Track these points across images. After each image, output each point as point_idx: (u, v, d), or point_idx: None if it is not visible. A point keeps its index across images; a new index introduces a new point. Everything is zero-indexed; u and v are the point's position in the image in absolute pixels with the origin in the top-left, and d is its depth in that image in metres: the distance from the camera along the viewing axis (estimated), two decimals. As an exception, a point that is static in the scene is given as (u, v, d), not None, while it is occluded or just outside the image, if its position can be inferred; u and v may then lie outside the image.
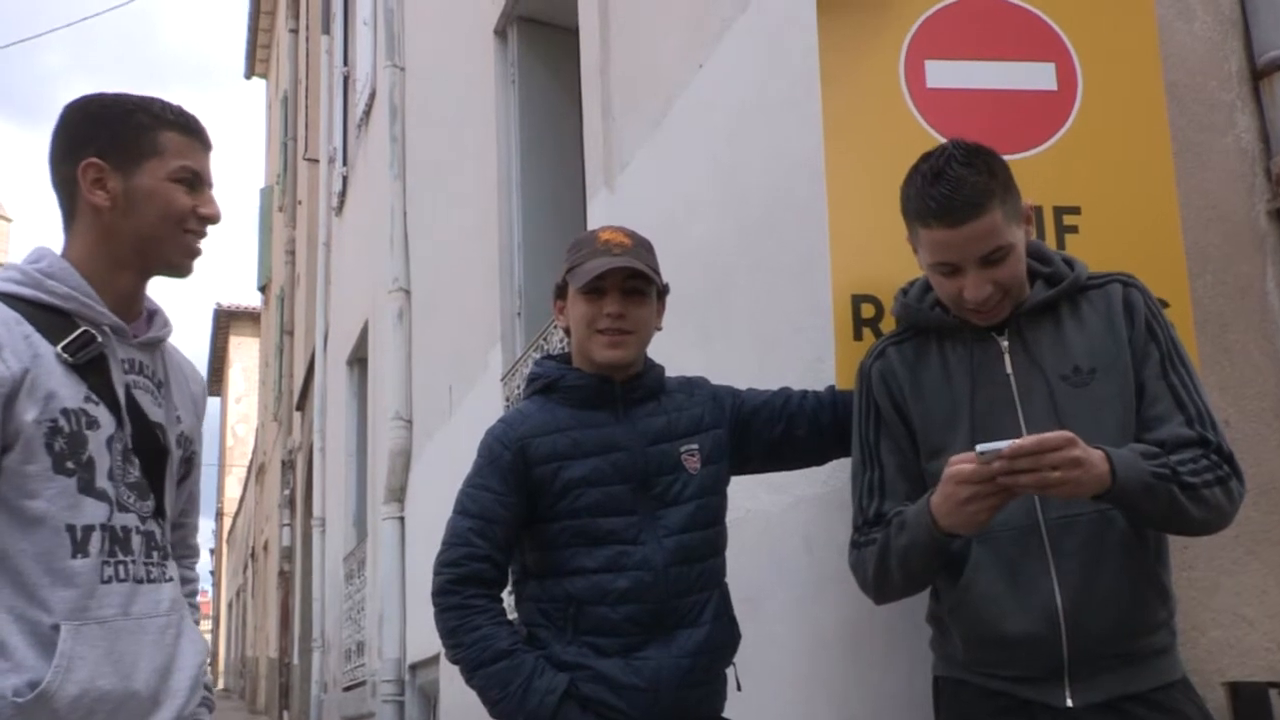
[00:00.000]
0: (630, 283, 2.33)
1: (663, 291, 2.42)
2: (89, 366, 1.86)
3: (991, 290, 1.99)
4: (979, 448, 1.79)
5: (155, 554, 1.94)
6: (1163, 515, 1.89)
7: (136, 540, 1.90)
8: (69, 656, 1.78)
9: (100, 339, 1.89)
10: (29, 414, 1.78)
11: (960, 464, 1.84)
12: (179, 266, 2.00)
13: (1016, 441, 1.77)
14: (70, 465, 1.81)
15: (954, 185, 1.94)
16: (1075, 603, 1.92)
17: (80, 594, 1.81)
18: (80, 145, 1.91)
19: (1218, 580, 2.35)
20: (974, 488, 1.82)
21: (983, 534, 1.95)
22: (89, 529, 1.83)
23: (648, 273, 2.33)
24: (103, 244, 1.93)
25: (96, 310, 1.89)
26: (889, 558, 2.01)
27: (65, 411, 1.82)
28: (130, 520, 1.90)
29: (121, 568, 1.87)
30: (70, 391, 1.83)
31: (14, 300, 1.85)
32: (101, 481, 1.85)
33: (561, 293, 2.41)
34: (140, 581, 1.90)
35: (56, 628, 1.78)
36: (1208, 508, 1.90)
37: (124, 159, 1.91)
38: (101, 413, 1.86)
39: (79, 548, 1.82)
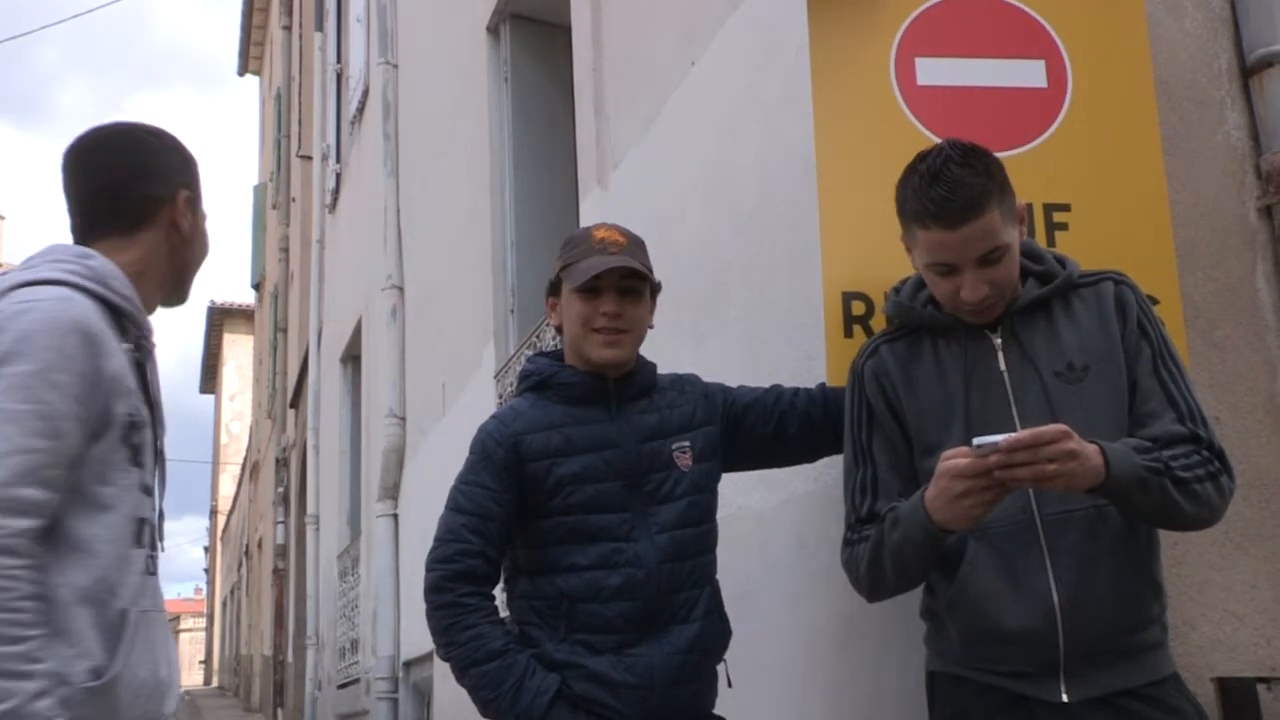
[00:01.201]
0: (626, 282, 2.33)
1: (655, 289, 2.42)
2: (138, 368, 1.95)
3: (989, 290, 2.00)
4: (975, 441, 1.80)
5: (157, 551, 2.01)
6: (1155, 509, 1.90)
7: (153, 536, 2.00)
8: (130, 643, 1.84)
9: (147, 342, 1.99)
10: (120, 406, 1.86)
11: (955, 458, 1.84)
12: (187, 298, 2.18)
13: (1012, 435, 1.78)
14: (139, 460, 1.91)
15: (952, 186, 1.94)
16: (1072, 598, 1.93)
17: (138, 583, 1.89)
18: (174, 172, 2.08)
19: (1208, 576, 2.36)
20: (969, 482, 1.82)
21: (978, 530, 1.96)
22: (143, 522, 1.92)
23: (644, 272, 2.33)
24: (161, 264, 2.06)
25: (143, 315, 1.99)
26: (882, 554, 2.02)
27: (136, 408, 1.91)
28: (154, 517, 1.99)
29: (151, 561, 1.96)
30: (136, 389, 1.92)
31: (85, 293, 1.89)
32: (148, 478, 1.95)
33: (555, 290, 2.41)
34: (154, 575, 1.98)
35: (123, 613, 1.84)
36: (1199, 502, 1.91)
37: (197, 197, 2.11)
38: (146, 413, 1.95)
39: (137, 539, 1.90)
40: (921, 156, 2.03)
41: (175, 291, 2.12)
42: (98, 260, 1.95)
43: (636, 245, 2.38)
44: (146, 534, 1.93)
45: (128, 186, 2.03)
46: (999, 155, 2.08)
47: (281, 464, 15.63)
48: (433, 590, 2.27)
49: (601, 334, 2.32)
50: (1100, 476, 1.83)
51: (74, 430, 1.79)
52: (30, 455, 1.73)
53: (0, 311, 1.81)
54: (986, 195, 1.95)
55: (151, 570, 1.94)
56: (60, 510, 1.79)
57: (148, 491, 1.94)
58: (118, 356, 1.86)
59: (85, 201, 2.03)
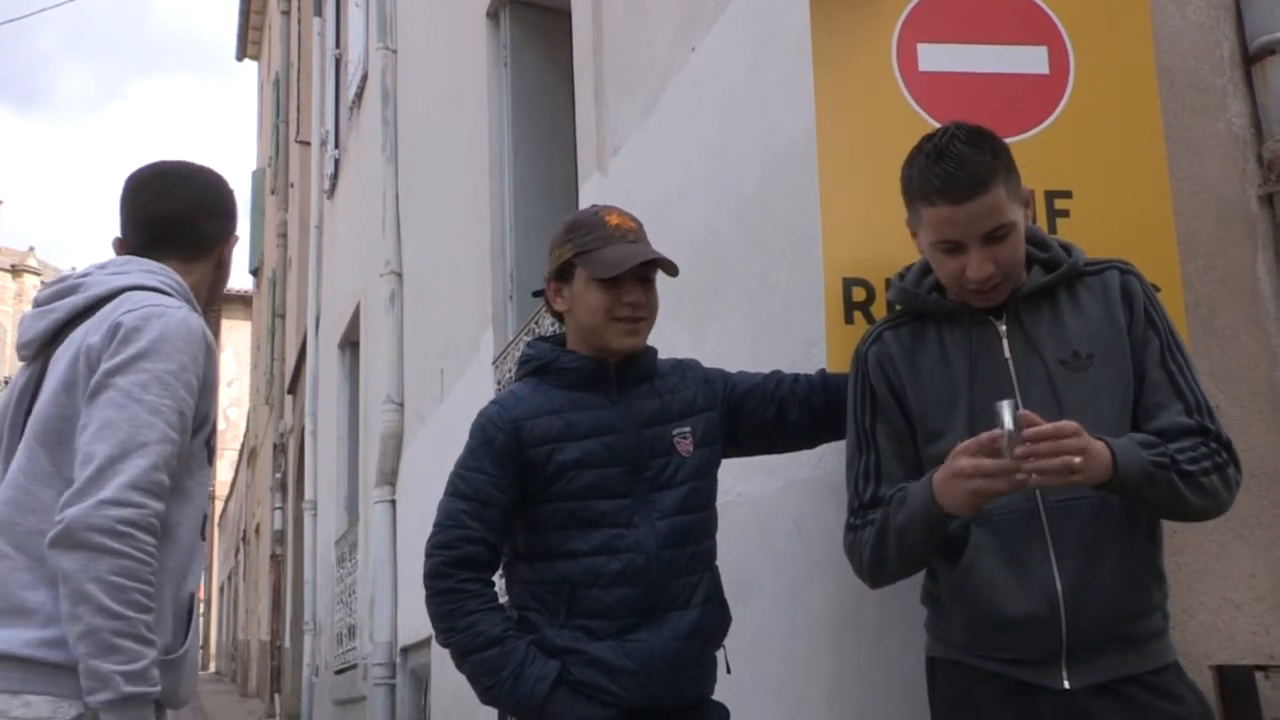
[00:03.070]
0: (644, 269, 2.33)
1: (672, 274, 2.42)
2: None
3: (994, 269, 2.00)
4: (1003, 411, 1.79)
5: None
6: (1163, 502, 1.91)
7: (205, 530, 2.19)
8: (195, 626, 2.06)
9: None
10: (213, 410, 2.10)
11: (975, 453, 1.83)
12: None
13: (1039, 427, 1.78)
14: (211, 459, 2.14)
15: (958, 163, 1.95)
16: (1074, 586, 1.93)
17: (200, 571, 2.11)
18: (231, 218, 2.32)
19: (1206, 565, 2.36)
20: (989, 481, 1.82)
21: (982, 517, 1.97)
22: (206, 516, 2.13)
23: (668, 262, 2.33)
24: (203, 292, 2.27)
25: None
26: (887, 536, 2.02)
27: (216, 414, 2.15)
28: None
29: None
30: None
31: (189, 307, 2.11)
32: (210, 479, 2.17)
33: (561, 275, 2.38)
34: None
35: (192, 597, 2.06)
36: (1206, 495, 1.92)
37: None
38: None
39: (203, 531, 2.12)
40: (927, 137, 2.04)
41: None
42: (179, 278, 2.17)
43: (643, 229, 2.38)
44: (206, 528, 2.14)
45: (198, 220, 2.25)
46: (1000, 141, 2.07)
47: (279, 450, 15.63)
48: (433, 576, 2.26)
49: (624, 323, 2.32)
50: (1107, 473, 1.84)
51: (189, 427, 2.01)
52: (169, 446, 1.94)
53: (130, 310, 2.01)
54: (992, 172, 1.96)
55: (204, 563, 2.12)
56: None
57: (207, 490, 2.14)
58: (218, 367, 2.10)
59: (153, 223, 2.23)
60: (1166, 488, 1.88)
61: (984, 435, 1.83)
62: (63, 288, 2.15)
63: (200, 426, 2.06)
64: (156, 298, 2.07)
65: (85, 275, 2.16)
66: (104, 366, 1.96)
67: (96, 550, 1.83)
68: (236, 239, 2.34)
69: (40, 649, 1.88)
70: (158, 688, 1.88)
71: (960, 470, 1.85)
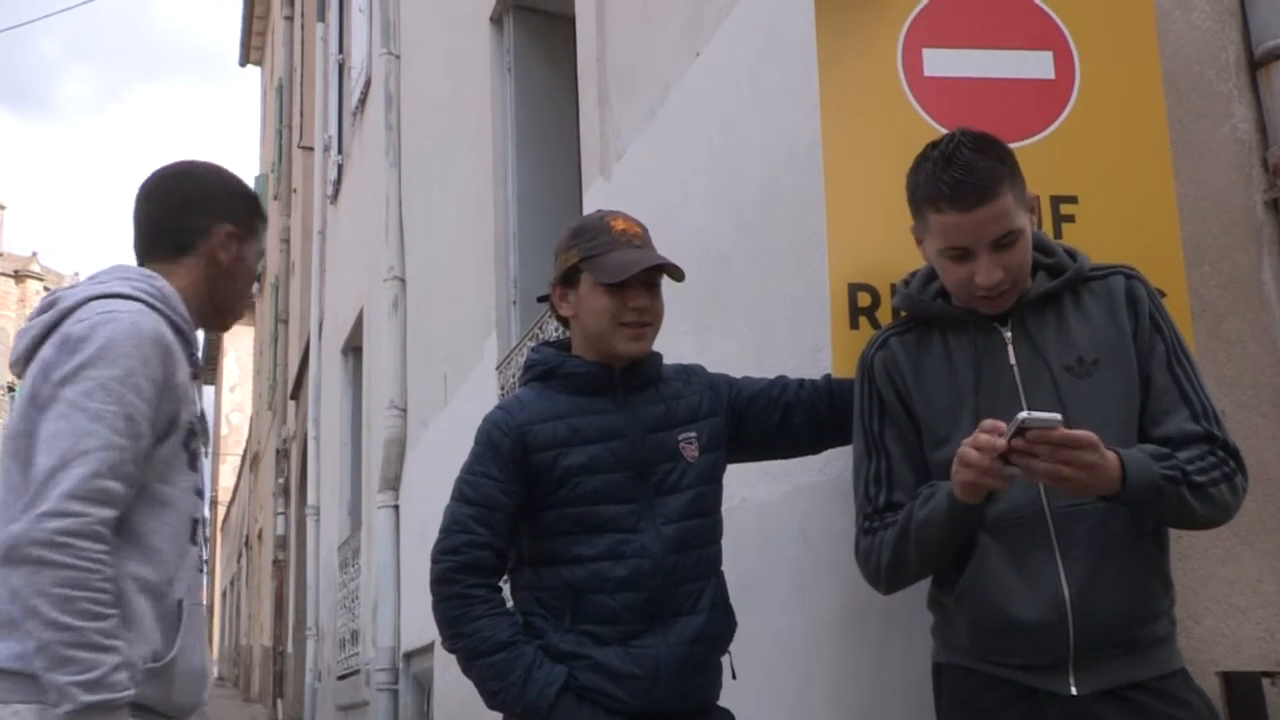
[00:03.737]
0: (650, 274, 2.33)
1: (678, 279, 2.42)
2: (192, 380, 2.14)
3: (1003, 275, 2.00)
4: (1021, 415, 1.78)
5: (203, 549, 2.21)
6: (1170, 512, 1.91)
7: (204, 535, 2.20)
8: (185, 633, 2.03)
9: (197, 360, 2.18)
10: (184, 413, 2.06)
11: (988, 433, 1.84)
12: (229, 326, 2.39)
13: (1063, 431, 1.77)
14: (195, 464, 2.12)
15: (965, 169, 1.95)
16: (1081, 591, 1.93)
17: (192, 578, 2.08)
18: (221, 208, 2.23)
19: (1212, 570, 2.36)
20: (970, 452, 1.82)
21: (989, 522, 1.97)
22: (197, 521, 2.12)
23: (674, 267, 2.33)
24: (200, 292, 2.21)
25: (195, 334, 2.19)
26: (910, 531, 2.01)
27: (195, 416, 2.13)
28: (204, 517, 2.18)
29: (201, 559, 2.16)
30: (195, 399, 2.13)
31: (154, 310, 2.08)
32: (199, 481, 2.15)
33: (567, 280, 2.38)
34: (203, 573, 2.16)
35: (179, 604, 2.04)
36: (1214, 505, 1.91)
37: (245, 233, 2.25)
38: (199, 424, 2.17)
39: (191, 537, 2.10)
40: (933, 144, 2.04)
41: (215, 319, 2.27)
42: (161, 281, 2.13)
43: (648, 234, 2.39)
44: (199, 533, 2.12)
45: (174, 217, 2.21)
46: (1006, 146, 2.07)
47: (282, 455, 15.64)
48: (439, 582, 2.26)
49: (630, 328, 2.32)
50: (1114, 488, 1.84)
51: (148, 432, 1.98)
52: (115, 452, 1.92)
53: (82, 320, 2.00)
54: (999, 179, 1.96)
55: (200, 568, 2.12)
56: (128, 505, 1.96)
57: (199, 494, 2.13)
58: (184, 368, 2.07)
59: (142, 229, 2.23)
60: (1175, 501, 1.88)
61: (991, 420, 1.83)
62: (45, 303, 2.15)
63: (169, 430, 2.04)
64: (113, 304, 2.04)
65: (71, 289, 2.16)
66: (52, 378, 1.97)
67: (38, 564, 1.84)
68: (231, 230, 2.22)
69: (21, 660, 1.90)
70: (126, 692, 1.88)
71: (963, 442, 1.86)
